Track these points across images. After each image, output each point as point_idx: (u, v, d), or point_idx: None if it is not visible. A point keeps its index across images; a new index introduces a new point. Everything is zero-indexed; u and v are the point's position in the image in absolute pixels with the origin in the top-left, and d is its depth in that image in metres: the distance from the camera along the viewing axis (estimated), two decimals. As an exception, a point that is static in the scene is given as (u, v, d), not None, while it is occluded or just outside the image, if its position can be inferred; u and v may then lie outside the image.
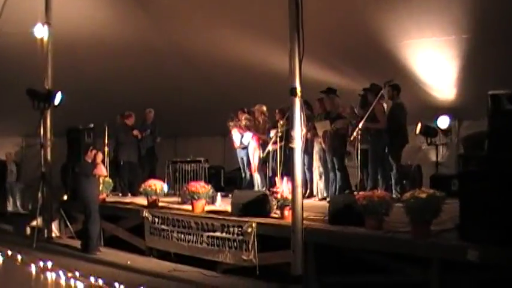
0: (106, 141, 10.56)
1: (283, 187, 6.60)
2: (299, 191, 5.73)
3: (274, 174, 9.04)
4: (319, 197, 8.80)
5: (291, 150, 5.76)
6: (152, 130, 11.08)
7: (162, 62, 10.64)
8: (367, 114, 7.23)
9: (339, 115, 8.45)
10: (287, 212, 6.38)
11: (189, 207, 7.76)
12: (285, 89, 5.78)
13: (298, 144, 5.71)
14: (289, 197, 6.18)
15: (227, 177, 12.05)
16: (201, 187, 7.62)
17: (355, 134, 7.01)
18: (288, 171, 8.48)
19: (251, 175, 9.83)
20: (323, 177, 8.76)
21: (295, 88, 5.65)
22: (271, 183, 8.95)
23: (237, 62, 9.98)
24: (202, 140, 13.64)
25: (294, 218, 5.70)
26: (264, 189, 9.12)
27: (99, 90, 11.21)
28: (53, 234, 9.45)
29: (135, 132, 10.76)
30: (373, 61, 8.60)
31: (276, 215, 6.76)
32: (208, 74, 11.06)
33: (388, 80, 7.63)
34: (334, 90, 8.71)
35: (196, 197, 7.52)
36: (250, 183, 9.82)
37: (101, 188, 8.92)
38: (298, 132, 5.70)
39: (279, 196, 6.55)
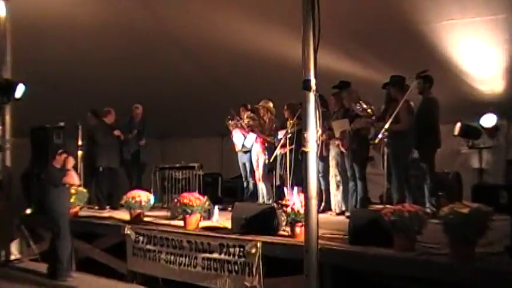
0: (79, 142, 10.64)
1: (293, 199, 6.67)
2: (313, 203, 5.75)
3: (283, 183, 9.08)
4: (337, 210, 8.85)
5: (304, 154, 5.79)
6: (140, 130, 11.15)
7: (149, 48, 10.68)
8: (395, 112, 7.24)
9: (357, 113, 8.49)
10: (299, 229, 6.44)
11: (181, 222, 7.82)
12: (296, 82, 5.83)
13: (312, 147, 5.73)
14: (302, 211, 6.23)
15: (226, 186, 12.12)
16: (195, 199, 7.69)
17: (380, 135, 7.03)
18: (299, 180, 8.59)
19: (255, 184, 9.93)
20: (341, 187, 8.82)
21: (309, 81, 5.66)
22: (279, 195, 8.99)
23: (239, 49, 10.04)
24: (196, 141, 13.75)
25: (308, 236, 5.72)
26: (270, 201, 9.18)
27: (71, 82, 11.23)
28: (12, 257, 9.48)
29: (117, 132, 10.82)
30: (403, 48, 8.63)
31: (286, 233, 6.82)
32: (205, 63, 11.13)
33: (421, 70, 7.66)
34: (348, 84, 8.78)
35: (190, 211, 7.58)
36: (254, 194, 9.92)
37: (72, 200, 8.94)
38: (313, 133, 5.72)
39: (289, 210, 6.60)
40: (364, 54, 9.19)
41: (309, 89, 5.70)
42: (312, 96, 5.73)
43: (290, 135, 8.55)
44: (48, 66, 10.54)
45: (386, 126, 7.04)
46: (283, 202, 6.89)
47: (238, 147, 10.15)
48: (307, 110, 5.75)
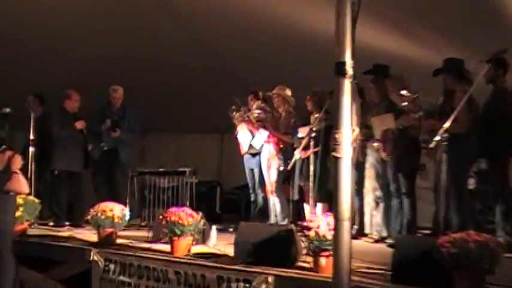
0: (31, 136, 10.56)
1: (318, 220, 6.66)
2: (346, 226, 5.61)
3: (303, 197, 9.19)
4: (375, 236, 8.87)
5: (335, 161, 5.74)
6: (118, 120, 10.97)
7: (131, 15, 10.67)
8: (459, 107, 7.19)
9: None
10: (324, 260, 6.42)
11: (167, 247, 7.78)
12: (323, 64, 5.80)
13: (346, 152, 5.61)
14: (329, 235, 6.25)
15: (226, 199, 12.30)
16: (187, 216, 7.61)
17: (438, 137, 7.00)
18: (325, 194, 8.64)
19: (265, 198, 9.98)
20: (381, 206, 8.84)
21: (344, 63, 5.55)
22: (298, 213, 9.14)
23: (247, 19, 10.09)
24: (188, 139, 13.98)
25: (337, 270, 5.60)
26: (285, 221, 9.24)
27: (22, 54, 11.32)
28: None
29: (79, 123, 10.80)
30: (470, 19, 8.60)
31: (306, 265, 6.80)
32: (203, 36, 11.15)
33: (499, 50, 7.57)
34: (385, 68, 8.81)
35: (179, 232, 7.53)
36: (264, 211, 9.99)
37: (19, 213, 8.92)
38: (347, 132, 5.61)
39: (311, 234, 6.56)
40: (416, 28, 9.17)
41: (343, 73, 5.57)
42: (347, 84, 5.60)
43: (314, 133, 8.52)
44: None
45: (447, 125, 6.97)
46: (305, 223, 6.85)
47: (244, 148, 10.24)
48: (340, 102, 5.59)
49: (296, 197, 9.47)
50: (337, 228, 5.66)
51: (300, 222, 7.26)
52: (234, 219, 10.12)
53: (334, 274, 5.63)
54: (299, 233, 6.95)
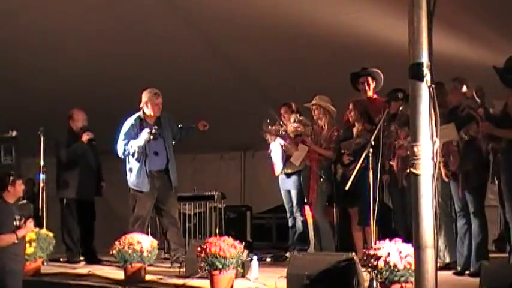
0: (41, 162, 10.37)
1: (386, 247, 6.39)
2: (430, 255, 5.40)
3: (350, 221, 9.07)
4: (438, 264, 8.53)
5: (413, 179, 5.46)
6: (161, 131, 9.63)
7: (146, 21, 10.61)
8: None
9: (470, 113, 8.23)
10: (398, 296, 6.30)
11: (205, 282, 7.58)
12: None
13: (427, 168, 5.44)
14: (400, 265, 6.09)
15: (255, 225, 12.08)
16: (229, 246, 7.42)
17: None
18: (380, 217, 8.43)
19: (305, 222, 9.81)
20: (443, 228, 8.62)
21: (421, 64, 5.40)
22: (345, 239, 8.97)
23: (270, 25, 9.94)
24: (205, 159, 13.85)
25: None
26: (330, 248, 9.04)
27: (26, 71, 11.40)
28: None
29: (85, 136, 10.22)
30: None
31: (374, 302, 6.69)
32: (219, 40, 11.01)
33: None
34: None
35: (220, 265, 7.31)
36: (304, 238, 9.84)
37: (31, 250, 8.81)
38: (428, 145, 5.45)
39: (380, 264, 6.31)
40: (481, 30, 9.13)
41: (420, 76, 5.41)
42: (424, 89, 5.41)
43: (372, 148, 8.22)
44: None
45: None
46: (370, 251, 6.56)
47: (278, 168, 10.08)
48: (417, 110, 5.45)
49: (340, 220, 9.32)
50: (419, 258, 5.44)
51: (364, 250, 7.01)
52: (266, 247, 9.80)
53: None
54: (363, 263, 6.77)
